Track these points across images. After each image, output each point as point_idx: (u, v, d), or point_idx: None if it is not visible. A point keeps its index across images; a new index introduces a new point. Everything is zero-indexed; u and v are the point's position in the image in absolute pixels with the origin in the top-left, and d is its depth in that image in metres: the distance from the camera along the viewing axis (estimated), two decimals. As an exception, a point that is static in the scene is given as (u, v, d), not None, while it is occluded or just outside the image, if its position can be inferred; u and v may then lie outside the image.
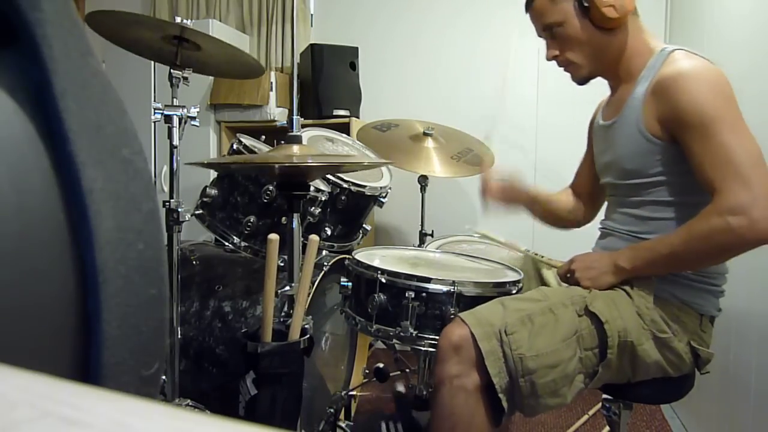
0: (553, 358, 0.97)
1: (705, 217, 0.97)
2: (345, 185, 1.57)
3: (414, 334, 1.08)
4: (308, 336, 1.01)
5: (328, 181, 1.54)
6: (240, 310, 1.45)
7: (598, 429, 1.88)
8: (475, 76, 2.73)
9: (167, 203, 1.33)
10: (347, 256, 1.39)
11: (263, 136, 1.78)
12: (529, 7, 1.19)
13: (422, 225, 2.25)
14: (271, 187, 1.42)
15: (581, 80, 1.21)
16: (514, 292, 1.14)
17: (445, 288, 1.08)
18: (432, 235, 2.21)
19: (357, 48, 2.66)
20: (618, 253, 1.10)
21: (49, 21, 0.27)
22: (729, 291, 1.13)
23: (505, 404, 0.97)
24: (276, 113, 2.61)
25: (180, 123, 1.34)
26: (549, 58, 1.20)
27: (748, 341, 1.43)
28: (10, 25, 0.27)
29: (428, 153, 2.01)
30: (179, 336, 1.36)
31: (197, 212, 1.46)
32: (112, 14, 1.21)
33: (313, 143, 1.74)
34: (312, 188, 1.42)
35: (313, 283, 1.40)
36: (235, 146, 1.51)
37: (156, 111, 1.33)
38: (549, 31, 1.17)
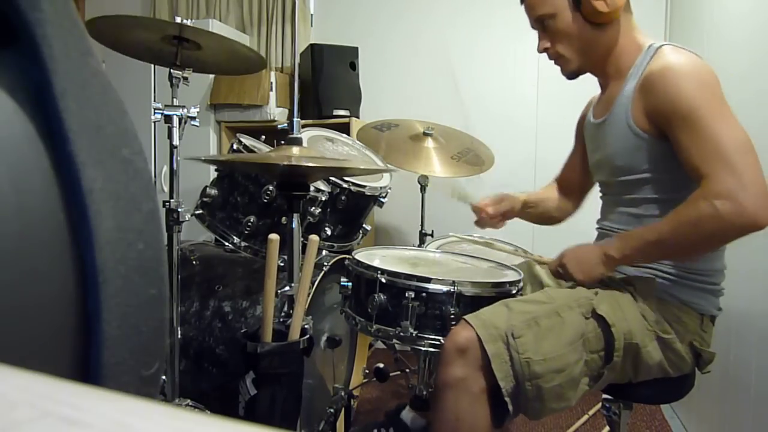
0: (560, 362, 0.97)
1: (692, 203, 0.96)
2: (345, 185, 1.57)
3: (414, 334, 1.08)
4: (308, 336, 1.01)
5: (328, 181, 1.54)
6: (240, 310, 1.45)
7: (598, 429, 1.88)
8: (475, 76, 2.73)
9: (167, 203, 1.33)
10: (347, 256, 1.39)
11: (263, 136, 1.78)
12: None
13: (422, 225, 2.25)
14: (271, 187, 1.42)
15: (570, 74, 1.21)
16: (514, 292, 1.14)
17: (445, 288, 1.08)
18: (432, 235, 2.21)
19: (357, 48, 2.66)
20: (607, 244, 1.09)
21: (49, 21, 0.27)
22: (729, 291, 1.13)
23: (510, 408, 0.96)
24: (276, 113, 2.61)
25: (180, 123, 1.34)
26: (540, 50, 1.20)
27: (748, 341, 1.43)
28: (10, 25, 0.27)
29: (428, 153, 2.01)
30: (179, 336, 1.36)
31: (197, 212, 1.46)
32: (110, 19, 1.21)
33: (313, 143, 1.74)
34: (312, 188, 1.42)
35: (313, 283, 1.40)
36: (235, 146, 1.51)
37: (156, 111, 1.33)
38: (541, 23, 1.17)
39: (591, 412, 1.93)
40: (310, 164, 1.02)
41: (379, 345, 2.57)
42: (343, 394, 1.44)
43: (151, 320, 0.31)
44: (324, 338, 1.57)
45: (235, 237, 1.47)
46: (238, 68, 1.56)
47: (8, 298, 0.25)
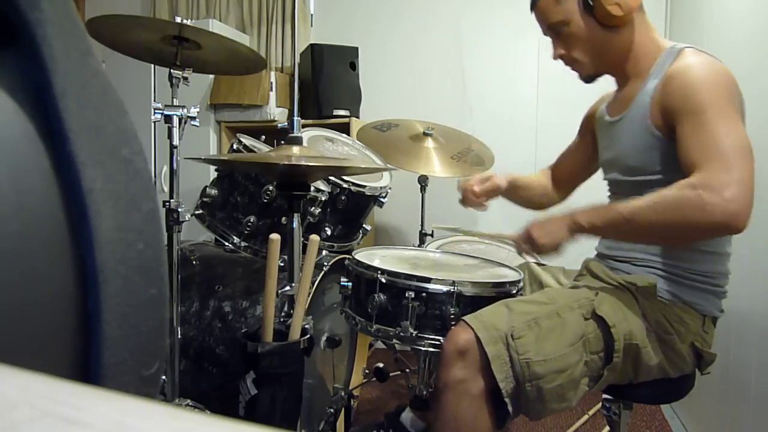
0: (561, 363, 0.96)
1: (678, 187, 0.95)
2: (345, 185, 1.57)
3: (414, 334, 1.08)
4: (308, 336, 1.01)
5: (328, 181, 1.54)
6: (240, 310, 1.45)
7: (598, 429, 1.88)
8: (475, 76, 2.73)
9: (167, 203, 1.33)
10: (347, 256, 1.39)
11: (263, 136, 1.78)
12: (533, 6, 1.19)
13: (422, 225, 2.25)
14: (271, 187, 1.42)
15: (588, 78, 1.20)
16: (514, 292, 1.14)
17: (445, 288, 1.08)
18: (432, 235, 2.21)
19: (357, 48, 2.66)
20: (578, 211, 1.07)
21: (49, 21, 0.27)
22: (729, 291, 1.13)
23: (510, 409, 0.96)
24: (276, 113, 2.61)
25: (180, 123, 1.34)
26: (555, 57, 1.19)
27: (748, 341, 1.43)
28: (10, 25, 0.27)
29: (428, 153, 2.01)
30: (179, 336, 1.35)
31: (197, 212, 1.46)
32: (110, 19, 1.21)
33: (313, 143, 1.74)
34: (312, 188, 1.42)
35: (313, 283, 1.40)
36: (235, 146, 1.51)
37: (156, 111, 1.33)
38: (554, 30, 1.16)
39: (591, 412, 1.93)
40: (311, 163, 1.02)
41: (379, 345, 2.57)
42: (343, 394, 1.44)
43: (151, 320, 0.31)
44: (324, 338, 1.57)
45: (235, 237, 1.47)
46: (238, 68, 1.56)
47: (8, 298, 0.25)
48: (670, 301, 1.08)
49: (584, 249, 1.32)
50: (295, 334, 1.00)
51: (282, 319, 1.04)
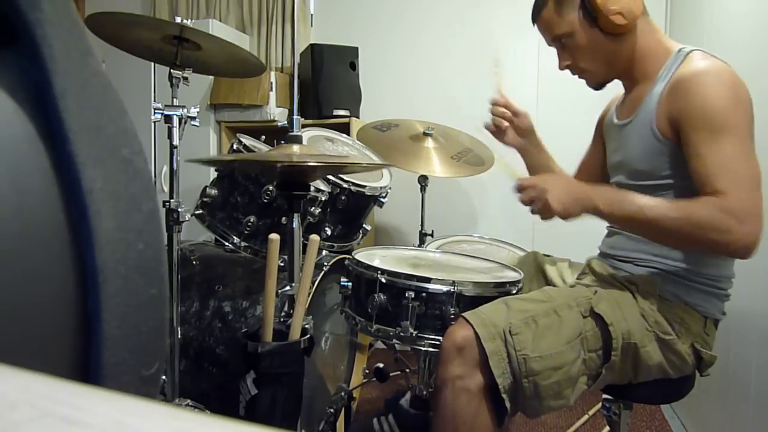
0: (557, 360, 0.97)
1: (709, 208, 0.95)
2: (345, 185, 1.57)
3: (414, 334, 1.08)
4: (308, 336, 1.01)
5: (328, 181, 1.54)
6: (240, 310, 1.45)
7: (598, 429, 1.88)
8: (475, 76, 2.73)
9: (167, 203, 1.33)
10: (347, 256, 1.39)
11: (263, 136, 1.78)
12: (535, 19, 1.18)
13: (422, 225, 2.25)
14: (271, 187, 1.42)
15: (597, 86, 1.20)
16: (514, 292, 1.14)
17: (445, 288, 1.08)
18: (432, 235, 2.21)
19: (357, 48, 2.66)
20: (597, 192, 1.05)
21: (49, 21, 0.27)
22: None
23: (508, 405, 0.97)
24: (276, 113, 2.61)
25: (180, 123, 1.34)
26: (562, 68, 1.19)
27: (748, 341, 1.43)
28: (10, 25, 0.27)
29: (428, 153, 2.01)
30: (179, 336, 1.36)
31: (197, 212, 1.46)
32: (111, 16, 1.21)
33: (313, 143, 1.74)
34: (312, 188, 1.42)
35: (313, 283, 1.40)
36: (235, 146, 1.51)
37: (156, 111, 1.33)
38: (559, 41, 1.16)
39: (591, 412, 1.93)
40: (311, 162, 1.02)
41: (379, 345, 2.57)
42: (343, 394, 1.44)
43: (151, 320, 0.31)
44: (324, 338, 1.57)
45: (235, 237, 1.47)
46: (238, 71, 1.56)
47: (8, 298, 0.25)
48: (672, 302, 1.08)
49: (587, 246, 1.32)
50: (295, 334, 1.00)
51: (282, 319, 1.04)
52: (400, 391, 1.51)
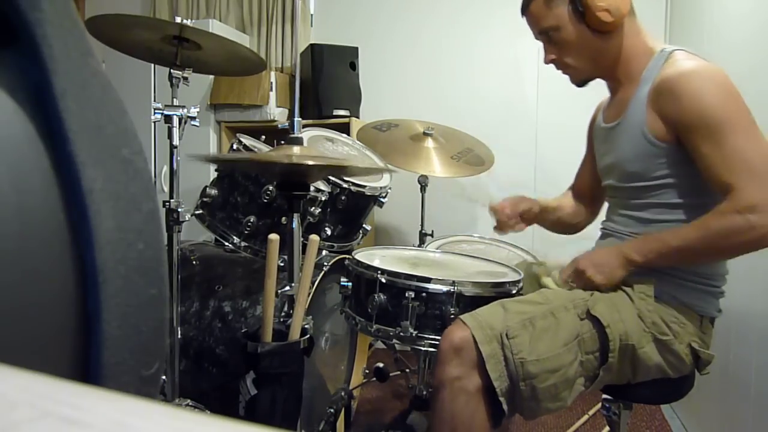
0: (555, 362, 0.97)
1: (722, 215, 0.96)
2: (345, 185, 1.57)
3: (414, 334, 1.08)
4: (308, 336, 1.01)
5: (328, 181, 1.54)
6: (240, 310, 1.45)
7: (598, 429, 1.88)
8: (475, 76, 2.74)
9: (167, 203, 1.33)
10: (347, 256, 1.39)
11: (263, 136, 1.78)
12: (525, 11, 1.19)
13: (422, 225, 2.25)
14: (271, 187, 1.42)
15: (579, 83, 1.21)
16: (513, 292, 1.14)
17: (445, 288, 1.08)
18: (432, 235, 2.21)
19: (357, 48, 2.66)
20: (626, 247, 1.07)
21: (49, 21, 0.27)
22: (729, 291, 1.13)
23: (505, 407, 0.97)
24: (276, 113, 2.61)
25: (180, 123, 1.34)
26: (547, 62, 1.19)
27: (748, 341, 1.43)
28: (10, 25, 0.27)
29: (428, 153, 2.01)
30: (179, 336, 1.36)
31: (197, 212, 1.46)
32: (111, 18, 1.21)
33: (313, 143, 1.74)
34: (312, 188, 1.42)
35: (313, 283, 1.40)
36: (235, 146, 1.51)
37: (156, 111, 1.33)
38: (545, 35, 1.16)
39: (591, 412, 1.94)
40: (311, 163, 1.02)
41: (379, 345, 2.57)
42: (343, 394, 1.44)
43: (151, 320, 0.31)
44: (324, 338, 1.57)
45: (235, 237, 1.47)
46: (238, 69, 1.56)
47: (8, 298, 0.25)
48: (668, 303, 1.08)
49: (583, 248, 1.31)
50: (295, 334, 1.00)
51: (282, 319, 1.04)
52: (403, 411, 1.49)
